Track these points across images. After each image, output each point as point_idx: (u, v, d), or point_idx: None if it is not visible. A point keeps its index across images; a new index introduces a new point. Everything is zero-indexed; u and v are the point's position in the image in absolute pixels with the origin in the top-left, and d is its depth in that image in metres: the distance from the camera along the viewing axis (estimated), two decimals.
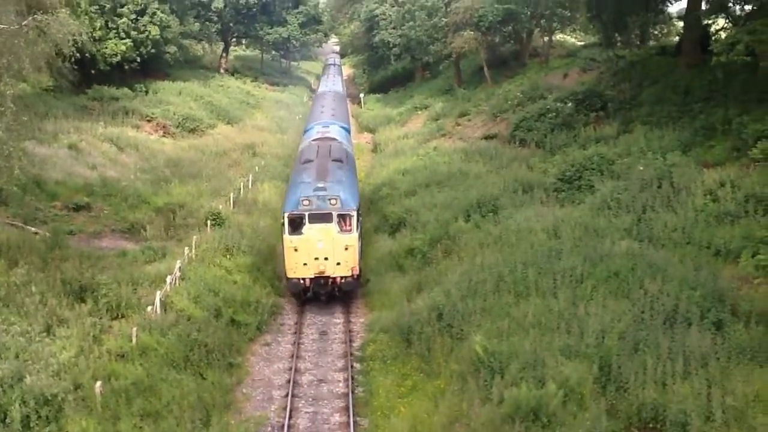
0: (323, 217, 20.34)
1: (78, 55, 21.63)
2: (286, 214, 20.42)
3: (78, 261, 18.70)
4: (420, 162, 32.76)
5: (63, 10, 21.71)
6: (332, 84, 55.47)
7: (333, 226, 20.29)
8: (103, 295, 17.11)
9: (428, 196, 26.31)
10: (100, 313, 16.60)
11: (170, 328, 16.38)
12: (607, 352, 13.20)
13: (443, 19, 47.31)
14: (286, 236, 20.33)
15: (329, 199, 20.49)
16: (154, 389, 14.10)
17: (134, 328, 15.71)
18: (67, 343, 14.78)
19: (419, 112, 47.97)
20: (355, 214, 20.73)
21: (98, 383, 13.29)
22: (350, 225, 20.54)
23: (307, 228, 20.25)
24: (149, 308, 16.86)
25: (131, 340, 15.47)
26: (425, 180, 28.66)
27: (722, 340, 13.15)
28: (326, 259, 20.19)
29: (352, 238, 20.45)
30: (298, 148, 29.72)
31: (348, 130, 33.53)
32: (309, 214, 20.26)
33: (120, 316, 16.91)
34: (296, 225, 20.38)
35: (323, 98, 43.40)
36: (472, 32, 44.50)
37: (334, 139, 27.48)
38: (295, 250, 20.20)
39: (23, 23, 17.76)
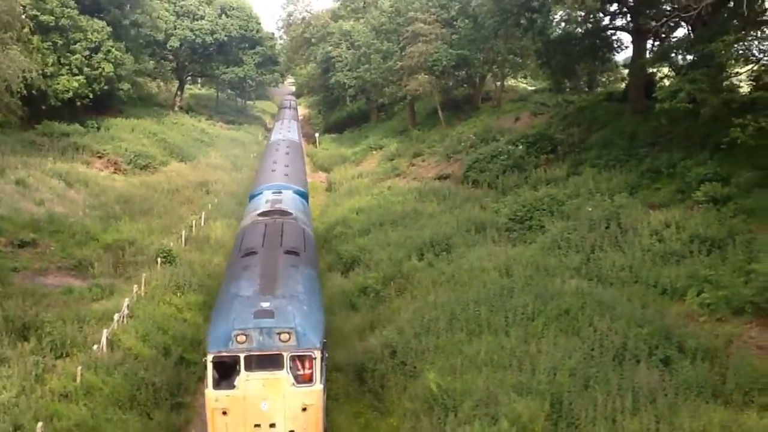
0: (270, 361, 13.12)
1: (26, 91, 21.34)
2: (210, 355, 13.07)
3: (21, 298, 18.17)
4: (374, 201, 32.91)
5: (14, 46, 21.48)
6: (287, 130, 49.66)
7: (284, 375, 13.11)
8: (47, 333, 16.62)
9: (382, 234, 26.37)
10: (43, 351, 16.09)
11: (117, 367, 15.94)
12: (559, 388, 13.28)
13: (398, 62, 48.03)
14: (210, 391, 13.02)
15: (279, 333, 13.10)
16: (98, 430, 13.69)
17: (79, 367, 15.25)
18: (7, 383, 14.32)
19: (374, 152, 48.36)
20: (318, 354, 13.31)
21: (39, 424, 12.81)
22: (311, 371, 13.30)
23: (244, 378, 13.02)
24: (95, 347, 16.42)
25: (75, 380, 15.02)
26: (379, 219, 28.74)
27: (670, 376, 13.35)
28: (273, 426, 13.13)
29: (314, 392, 13.16)
30: (239, 226, 22.42)
31: (306, 197, 26.42)
32: (246, 357, 13.02)
33: (64, 355, 16.39)
34: (226, 373, 13.32)
35: (276, 150, 37.64)
36: (426, 76, 45.24)
37: (287, 213, 20.87)
38: (224, 413, 12.98)
39: None
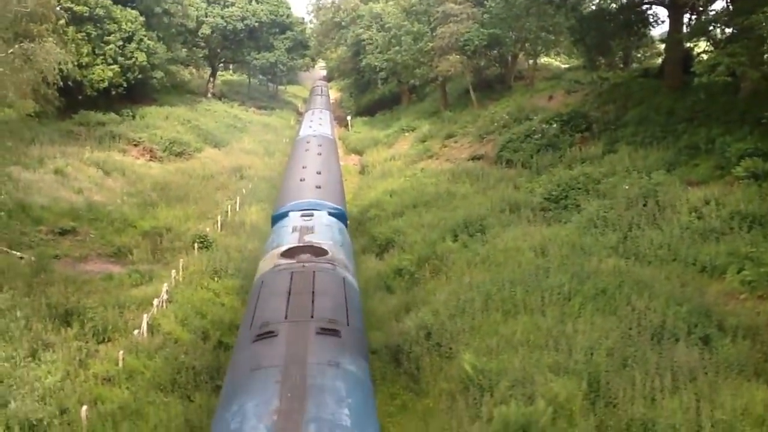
0: None
1: (62, 82, 21.77)
2: None
3: (63, 285, 18.60)
4: (407, 183, 32.87)
5: (50, 38, 21.90)
6: (318, 123, 42.46)
7: None
8: (89, 319, 16.99)
9: (416, 216, 26.35)
10: (86, 337, 16.45)
11: (157, 351, 16.25)
12: (596, 368, 13.16)
13: (429, 43, 47.72)
14: None
15: None
16: (141, 413, 13.91)
17: (120, 352, 15.58)
18: (52, 368, 14.65)
19: (406, 135, 48.20)
20: None
21: (84, 407, 13.13)
22: None
23: None
24: (136, 332, 16.75)
25: (117, 364, 15.34)
26: (412, 201, 28.72)
27: (710, 354, 13.16)
28: None
29: None
30: (257, 270, 15.76)
31: (344, 219, 20.16)
32: None
33: (106, 340, 16.75)
34: None
35: (306, 150, 31.03)
36: (457, 56, 44.88)
37: (322, 251, 14.84)
38: None
39: (9, 51, 17.86)
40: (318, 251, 14.76)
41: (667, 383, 12.43)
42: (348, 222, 21.07)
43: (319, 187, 22.01)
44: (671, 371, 12.70)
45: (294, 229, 16.82)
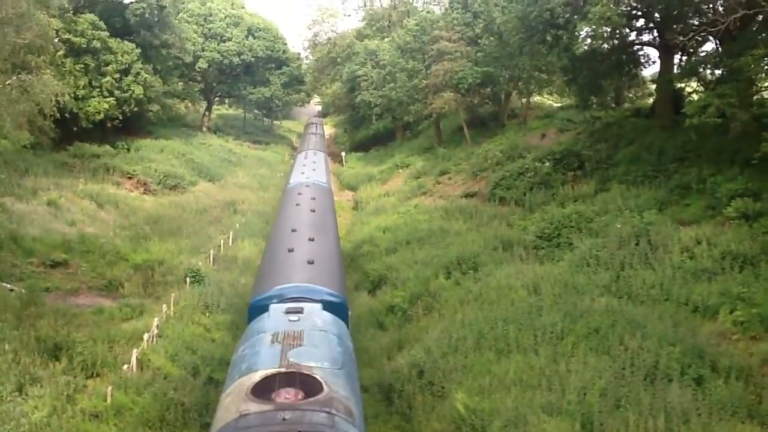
0: None
1: (59, 114, 21.87)
2: None
3: (53, 318, 18.41)
4: (401, 219, 32.92)
5: (47, 70, 22.07)
6: (312, 167, 36.94)
7: None
8: (78, 353, 16.80)
9: (409, 253, 26.36)
10: (74, 371, 16.26)
11: (146, 386, 16.05)
12: (589, 408, 13.11)
13: (423, 80, 48.25)
14: None
15: None
16: None
17: (109, 387, 15.40)
18: (39, 403, 14.43)
19: (400, 171, 48.42)
20: None
21: None
22: None
23: None
24: (125, 367, 16.57)
25: (106, 400, 15.14)
26: (406, 237, 28.74)
27: (703, 395, 13.11)
28: None
29: None
30: (212, 423, 9.77)
31: (344, 313, 14.88)
32: None
33: (95, 375, 16.57)
34: None
35: (296, 205, 24.86)
36: (451, 93, 45.36)
37: (314, 389, 9.46)
38: None
39: (7, 83, 17.96)
40: (307, 385, 9.52)
41: (660, 425, 12.36)
42: (351, 314, 15.84)
43: (312, 263, 16.63)
44: (665, 412, 12.64)
45: (274, 339, 11.34)
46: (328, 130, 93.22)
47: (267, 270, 17.78)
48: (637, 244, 20.45)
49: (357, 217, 39.26)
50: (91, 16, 42.03)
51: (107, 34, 42.86)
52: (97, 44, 41.65)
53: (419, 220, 31.51)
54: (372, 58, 62.21)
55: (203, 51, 64.10)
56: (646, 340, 14.92)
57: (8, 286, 21.00)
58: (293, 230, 20.44)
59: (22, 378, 15.14)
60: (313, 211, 23.70)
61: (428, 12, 59.28)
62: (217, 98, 74.85)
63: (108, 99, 42.13)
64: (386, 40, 62.95)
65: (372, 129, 71.33)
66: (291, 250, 18.04)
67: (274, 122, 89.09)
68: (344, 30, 77.51)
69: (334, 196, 32.36)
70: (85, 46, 41.00)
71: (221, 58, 65.25)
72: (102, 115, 41.64)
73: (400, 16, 70.83)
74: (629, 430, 12.38)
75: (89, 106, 40.96)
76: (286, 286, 15.09)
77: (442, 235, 27.94)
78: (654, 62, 34.11)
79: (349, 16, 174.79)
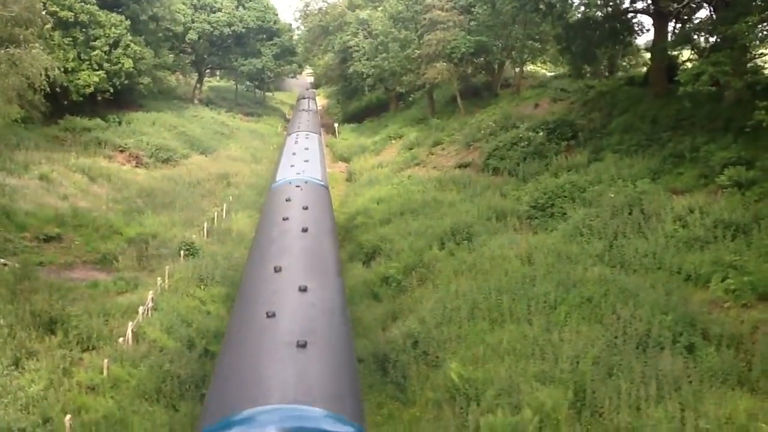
0: None
1: (49, 88, 21.62)
2: None
3: (48, 293, 18.36)
4: (394, 191, 32.89)
5: (36, 43, 21.80)
6: (303, 159, 29.21)
7: None
8: (73, 327, 16.80)
9: (403, 224, 26.37)
10: (70, 345, 16.28)
11: (142, 359, 16.12)
12: (582, 377, 13.23)
13: (416, 50, 47.88)
14: None
15: None
16: (126, 422, 13.79)
17: (105, 360, 15.45)
18: (36, 376, 14.51)
19: (393, 142, 48.28)
20: None
21: (68, 417, 12.98)
22: None
23: None
24: (121, 340, 16.63)
25: (102, 373, 15.21)
26: (400, 208, 28.73)
27: (694, 363, 13.26)
28: None
29: None
30: None
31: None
32: None
33: (91, 348, 16.58)
34: None
35: (282, 219, 17.47)
36: (444, 63, 45.04)
37: None
38: None
39: None
40: None
41: (652, 392, 12.50)
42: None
43: (304, 346, 9.76)
44: (656, 380, 12.78)
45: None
46: (321, 101, 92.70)
47: (242, 298, 12.89)
48: (630, 214, 20.53)
49: (351, 188, 39.21)
50: None
51: (96, 7, 42.30)
52: (85, 18, 41.11)
53: (413, 191, 31.49)
54: (364, 27, 61.64)
55: (193, 22, 63.42)
56: (638, 308, 15.04)
57: (2, 260, 20.97)
58: (277, 269, 12.94)
59: (18, 352, 15.20)
60: (305, 231, 16.18)
61: None
62: (208, 70, 74.25)
63: (98, 72, 41.70)
64: (378, 9, 62.27)
65: (365, 100, 71.02)
66: (271, 315, 10.78)
67: (267, 94, 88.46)
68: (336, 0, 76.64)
69: (331, 199, 24.31)
70: (73, 19, 40.47)
71: (211, 30, 64.61)
72: (92, 88, 41.25)
73: None
74: (621, 398, 12.51)
75: (79, 79, 40.56)
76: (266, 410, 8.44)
77: (436, 205, 27.94)
78: (648, 30, 33.98)
79: None
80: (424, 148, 41.38)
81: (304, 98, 72.57)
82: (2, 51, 18.13)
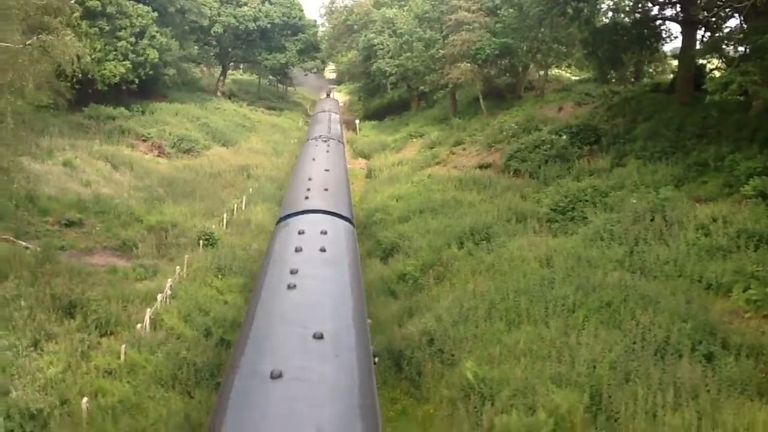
0: None
1: (80, 75, 21.84)
2: None
3: (68, 277, 18.58)
4: (414, 189, 32.87)
5: (65, 31, 22.05)
6: (322, 184, 22.04)
7: None
8: (92, 311, 16.95)
9: (422, 222, 26.36)
10: (88, 329, 16.42)
11: (159, 346, 16.25)
12: (598, 381, 13.15)
13: (440, 50, 47.83)
14: None
15: None
16: (141, 407, 13.94)
17: (123, 346, 15.59)
18: (54, 359, 14.66)
19: (414, 140, 48.24)
20: None
21: (85, 399, 13.13)
22: None
23: None
24: (138, 326, 16.75)
25: (119, 357, 15.34)
26: (419, 206, 28.71)
27: (713, 372, 13.11)
28: None
29: None
30: None
31: None
32: None
33: (109, 333, 16.73)
34: None
35: (291, 275, 12.42)
36: (468, 64, 44.98)
37: None
38: None
39: (27, 42, 17.96)
40: None
41: (669, 399, 12.39)
42: None
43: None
44: (674, 387, 12.66)
45: None
46: (343, 97, 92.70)
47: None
48: (652, 220, 20.35)
49: (370, 185, 39.20)
50: None
51: None
52: (112, 9, 41.41)
53: (433, 190, 31.44)
54: (389, 26, 61.68)
55: (219, 16, 63.72)
56: (657, 315, 14.91)
57: (24, 243, 21.20)
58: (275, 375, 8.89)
59: (37, 334, 15.38)
60: (337, 301, 12.16)
61: None
62: (231, 63, 74.46)
63: (124, 62, 42.00)
64: (404, 8, 62.26)
65: (387, 97, 71.04)
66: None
67: (289, 89, 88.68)
68: None
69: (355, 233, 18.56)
70: (100, 9, 40.78)
71: (237, 23, 64.87)
72: (117, 78, 41.57)
73: None
74: (638, 404, 12.42)
75: (105, 69, 40.85)
76: None
77: (456, 205, 27.89)
78: (676, 37, 33.66)
79: None
80: (445, 148, 41.31)
81: (324, 111, 55.58)
82: (34, 38, 18.32)
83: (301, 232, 15.56)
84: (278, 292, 11.88)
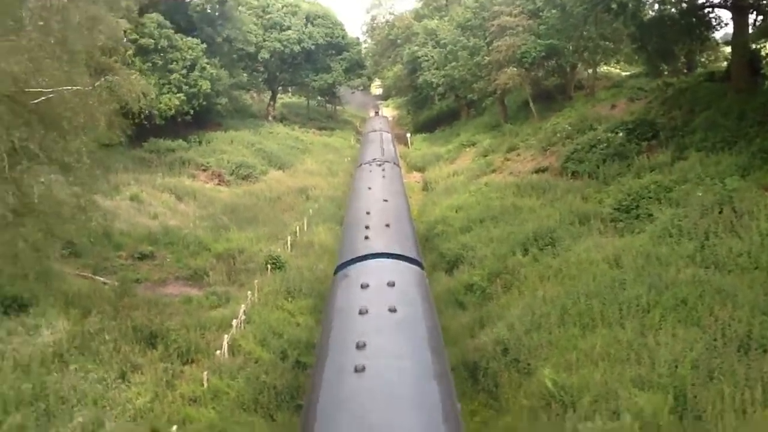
0: None
1: (147, 111, 22.68)
2: None
3: (146, 308, 19.29)
4: (472, 198, 32.86)
5: (125, 69, 23.00)
6: (381, 211, 20.65)
7: None
8: (172, 341, 17.58)
9: (483, 231, 26.36)
10: (171, 358, 17.03)
11: (239, 371, 16.71)
12: (682, 381, 12.95)
13: (486, 57, 47.80)
14: None
15: None
16: None
17: (205, 372, 16.07)
18: (142, 389, 15.24)
19: (467, 149, 48.23)
20: None
21: (174, 428, 13.58)
22: None
23: None
24: (218, 352, 17.25)
25: (202, 384, 15.82)
26: (479, 216, 28.71)
27: None
28: None
29: None
30: None
31: None
32: None
33: (190, 361, 17.30)
34: None
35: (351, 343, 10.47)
36: (515, 69, 44.84)
37: None
38: None
39: (96, 84, 18.78)
40: None
41: (757, 396, 12.12)
42: None
43: None
44: (761, 383, 12.39)
45: None
46: (391, 112, 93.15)
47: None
48: (720, 212, 19.90)
49: (428, 197, 39.32)
50: (156, 16, 43.03)
51: (172, 31, 43.92)
52: (164, 43, 42.71)
53: (491, 198, 31.39)
54: (432, 37, 61.93)
55: (264, 41, 64.98)
56: (737, 309, 14.61)
57: (102, 279, 22.03)
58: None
59: (123, 366, 16.01)
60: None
61: None
62: (280, 87, 75.77)
63: (178, 95, 43.23)
64: (445, 18, 62.47)
65: (435, 109, 71.18)
66: None
67: (337, 108, 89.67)
68: (402, 11, 77.26)
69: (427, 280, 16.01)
70: (153, 45, 42.10)
71: (282, 48, 66.01)
72: (173, 111, 42.79)
73: None
74: (725, 402, 12.19)
75: (161, 103, 42.14)
76: None
77: (516, 211, 27.79)
78: (726, 24, 32.88)
79: None
80: (498, 155, 41.20)
81: (374, 131, 53.87)
82: (102, 79, 19.20)
83: (364, 286, 13.06)
84: (343, 377, 9.78)
